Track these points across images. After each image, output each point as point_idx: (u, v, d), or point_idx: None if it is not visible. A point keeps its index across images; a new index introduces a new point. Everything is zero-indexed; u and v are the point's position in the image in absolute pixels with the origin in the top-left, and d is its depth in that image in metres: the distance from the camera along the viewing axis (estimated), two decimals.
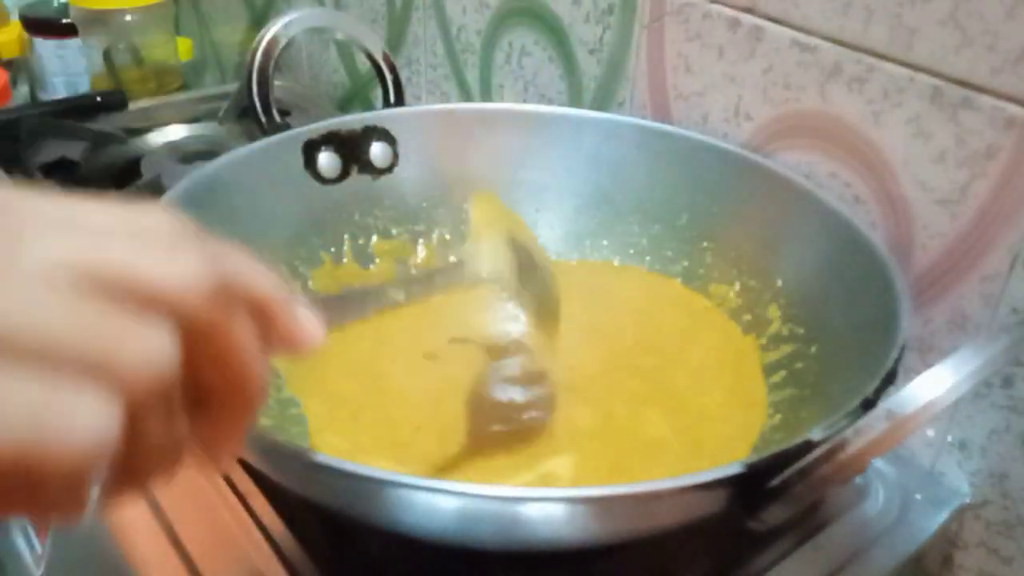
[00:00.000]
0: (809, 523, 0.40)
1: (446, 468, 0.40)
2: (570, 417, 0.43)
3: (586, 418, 0.43)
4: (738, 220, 0.49)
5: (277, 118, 0.60)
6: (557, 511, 0.29)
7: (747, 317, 0.47)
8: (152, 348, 0.17)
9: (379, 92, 0.66)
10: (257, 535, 0.38)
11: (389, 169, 0.52)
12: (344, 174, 0.52)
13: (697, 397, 0.44)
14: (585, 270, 0.54)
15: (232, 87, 0.82)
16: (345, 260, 0.51)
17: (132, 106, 0.80)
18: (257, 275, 0.22)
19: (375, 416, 0.43)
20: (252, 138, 0.54)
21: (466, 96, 0.69)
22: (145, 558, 0.38)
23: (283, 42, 0.60)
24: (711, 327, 0.48)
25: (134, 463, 0.18)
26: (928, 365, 0.30)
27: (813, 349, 0.42)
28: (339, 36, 0.64)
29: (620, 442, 0.41)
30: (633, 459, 0.40)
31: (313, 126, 0.50)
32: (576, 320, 0.50)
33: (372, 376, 0.45)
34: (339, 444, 0.41)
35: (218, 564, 0.38)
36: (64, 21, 0.90)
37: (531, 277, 0.40)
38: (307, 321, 0.23)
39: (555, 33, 0.60)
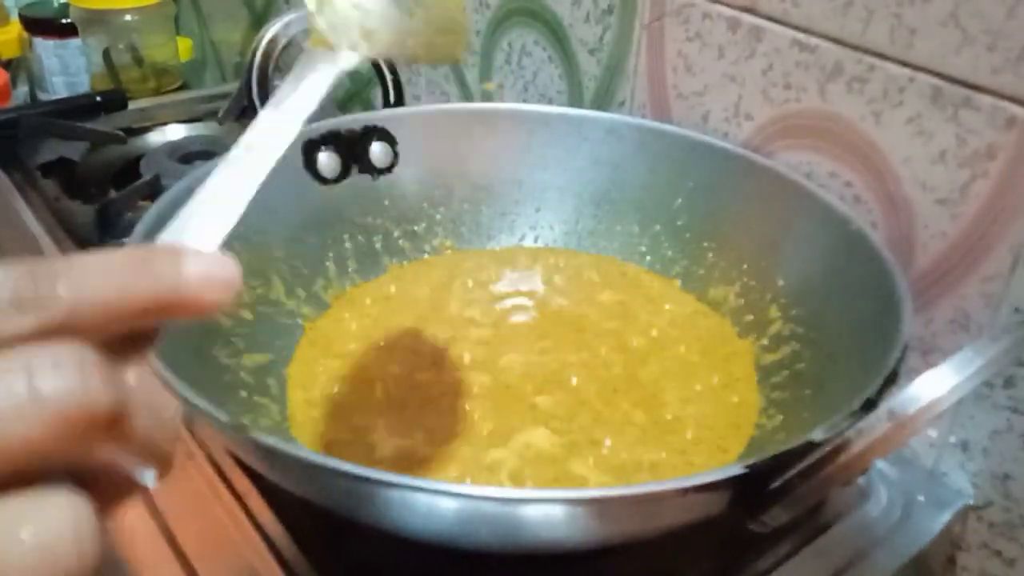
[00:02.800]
0: (811, 525, 0.40)
1: (418, 445, 0.40)
2: (542, 403, 0.43)
3: (558, 404, 0.43)
4: (739, 220, 0.49)
5: None
6: (557, 512, 0.29)
7: (748, 317, 0.47)
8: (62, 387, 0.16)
9: (379, 92, 0.66)
10: (254, 535, 0.38)
11: (389, 169, 0.52)
12: (344, 174, 0.51)
13: (673, 393, 0.44)
14: (578, 261, 0.54)
15: (232, 87, 0.82)
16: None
17: (132, 106, 0.80)
18: (125, 277, 0.18)
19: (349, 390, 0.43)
20: None
21: (466, 96, 0.69)
22: (141, 557, 0.38)
23: (283, 42, 0.60)
24: (700, 328, 0.48)
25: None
26: (930, 365, 0.30)
27: (814, 349, 0.42)
28: None
29: (594, 422, 0.42)
30: (606, 437, 0.41)
31: (313, 126, 0.50)
32: (557, 309, 0.50)
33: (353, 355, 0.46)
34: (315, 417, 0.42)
35: (214, 564, 0.38)
36: (64, 21, 0.90)
37: None
38: (212, 271, 0.19)
39: (555, 33, 0.60)
